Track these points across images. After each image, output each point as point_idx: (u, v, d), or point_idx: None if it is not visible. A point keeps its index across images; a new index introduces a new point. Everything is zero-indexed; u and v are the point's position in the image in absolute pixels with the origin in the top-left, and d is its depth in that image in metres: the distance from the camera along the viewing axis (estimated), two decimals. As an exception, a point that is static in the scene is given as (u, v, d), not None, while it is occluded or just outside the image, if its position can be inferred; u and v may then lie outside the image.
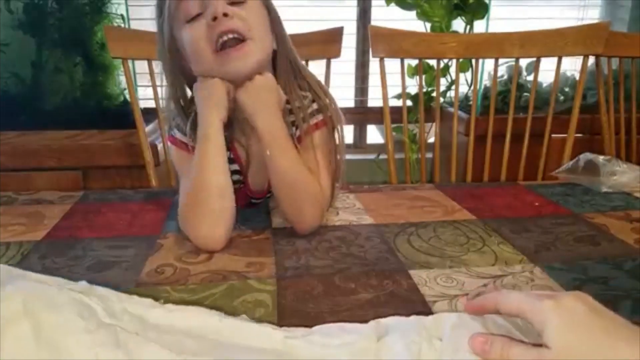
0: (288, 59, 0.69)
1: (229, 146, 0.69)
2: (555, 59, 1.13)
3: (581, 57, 1.13)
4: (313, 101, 0.70)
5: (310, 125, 0.69)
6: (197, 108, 0.65)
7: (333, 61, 1.12)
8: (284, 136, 0.65)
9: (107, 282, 0.55)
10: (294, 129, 0.69)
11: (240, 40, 0.62)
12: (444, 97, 1.74)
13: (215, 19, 0.60)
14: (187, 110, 0.69)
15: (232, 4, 0.63)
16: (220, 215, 0.63)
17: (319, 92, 0.71)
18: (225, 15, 0.61)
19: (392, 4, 1.67)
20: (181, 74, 0.68)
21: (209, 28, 0.61)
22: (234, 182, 0.66)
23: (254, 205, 0.78)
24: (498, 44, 1.12)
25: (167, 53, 0.66)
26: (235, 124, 0.70)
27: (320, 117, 0.69)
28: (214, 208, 0.63)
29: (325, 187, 0.68)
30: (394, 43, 1.11)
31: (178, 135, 0.70)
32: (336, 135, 0.71)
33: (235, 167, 0.72)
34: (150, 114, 1.22)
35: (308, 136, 0.69)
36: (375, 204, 0.80)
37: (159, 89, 1.10)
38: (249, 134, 0.70)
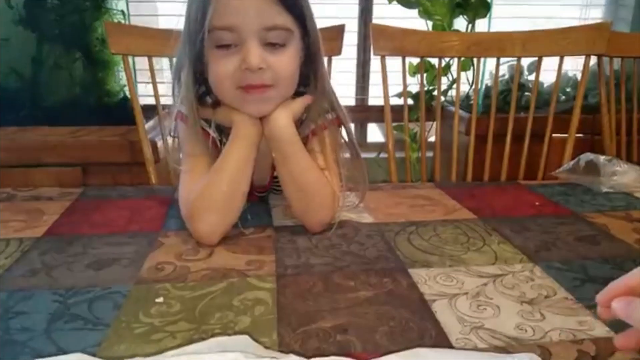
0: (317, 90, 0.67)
1: None
2: (556, 59, 1.13)
3: (583, 57, 1.13)
4: None
5: (320, 124, 0.69)
6: (231, 113, 0.65)
7: (334, 59, 1.12)
8: (295, 140, 0.65)
9: (107, 280, 0.55)
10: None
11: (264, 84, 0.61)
12: (445, 96, 1.73)
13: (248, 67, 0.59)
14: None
15: (271, 45, 0.60)
16: (235, 216, 0.65)
17: (330, 93, 0.71)
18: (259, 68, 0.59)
19: (394, 2, 1.67)
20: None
21: (239, 71, 0.60)
22: None
23: (258, 198, 0.78)
24: (500, 43, 1.12)
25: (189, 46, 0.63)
26: None
27: (329, 116, 0.70)
28: (237, 209, 0.65)
29: (334, 185, 0.68)
30: (396, 41, 1.10)
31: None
32: (344, 134, 0.71)
33: None
34: (150, 111, 1.22)
35: (317, 135, 0.69)
36: (375, 203, 0.80)
37: (159, 86, 1.10)
38: None
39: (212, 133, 0.67)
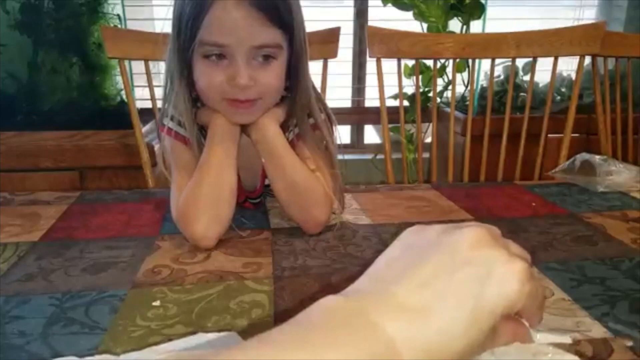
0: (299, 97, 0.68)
1: None
2: (551, 59, 1.13)
3: (577, 57, 1.13)
4: None
5: (304, 128, 0.69)
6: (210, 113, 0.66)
7: (330, 61, 1.12)
8: (282, 141, 0.66)
9: (103, 283, 0.55)
10: (289, 133, 0.70)
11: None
12: (441, 97, 1.74)
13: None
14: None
15: (264, 57, 0.61)
16: (227, 215, 0.64)
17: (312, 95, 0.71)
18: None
19: (389, 5, 1.67)
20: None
21: (227, 85, 0.61)
22: None
23: (253, 205, 0.78)
24: (494, 44, 1.12)
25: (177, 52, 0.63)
26: None
27: (311, 120, 0.70)
28: (228, 207, 0.64)
29: (327, 185, 0.68)
30: (391, 43, 1.11)
31: (172, 125, 0.69)
32: (334, 136, 0.72)
33: None
34: (147, 115, 1.22)
35: (302, 139, 0.69)
36: (372, 204, 0.80)
37: (155, 89, 1.10)
38: None
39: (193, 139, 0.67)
